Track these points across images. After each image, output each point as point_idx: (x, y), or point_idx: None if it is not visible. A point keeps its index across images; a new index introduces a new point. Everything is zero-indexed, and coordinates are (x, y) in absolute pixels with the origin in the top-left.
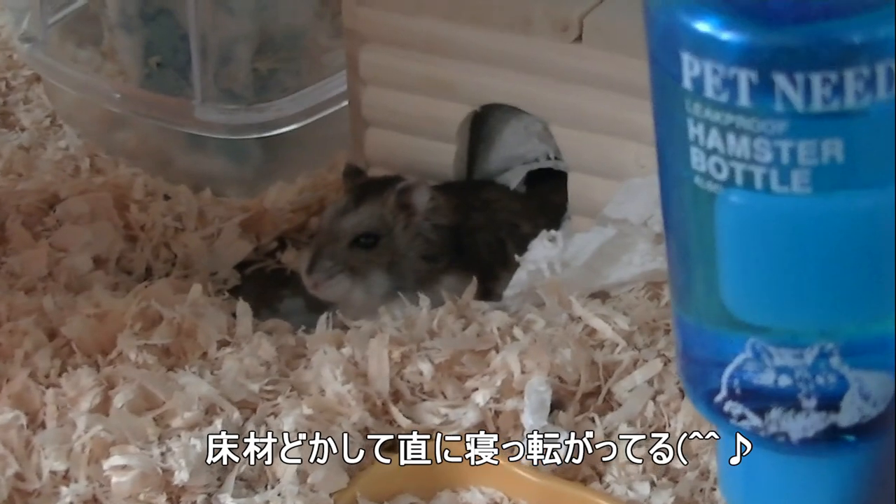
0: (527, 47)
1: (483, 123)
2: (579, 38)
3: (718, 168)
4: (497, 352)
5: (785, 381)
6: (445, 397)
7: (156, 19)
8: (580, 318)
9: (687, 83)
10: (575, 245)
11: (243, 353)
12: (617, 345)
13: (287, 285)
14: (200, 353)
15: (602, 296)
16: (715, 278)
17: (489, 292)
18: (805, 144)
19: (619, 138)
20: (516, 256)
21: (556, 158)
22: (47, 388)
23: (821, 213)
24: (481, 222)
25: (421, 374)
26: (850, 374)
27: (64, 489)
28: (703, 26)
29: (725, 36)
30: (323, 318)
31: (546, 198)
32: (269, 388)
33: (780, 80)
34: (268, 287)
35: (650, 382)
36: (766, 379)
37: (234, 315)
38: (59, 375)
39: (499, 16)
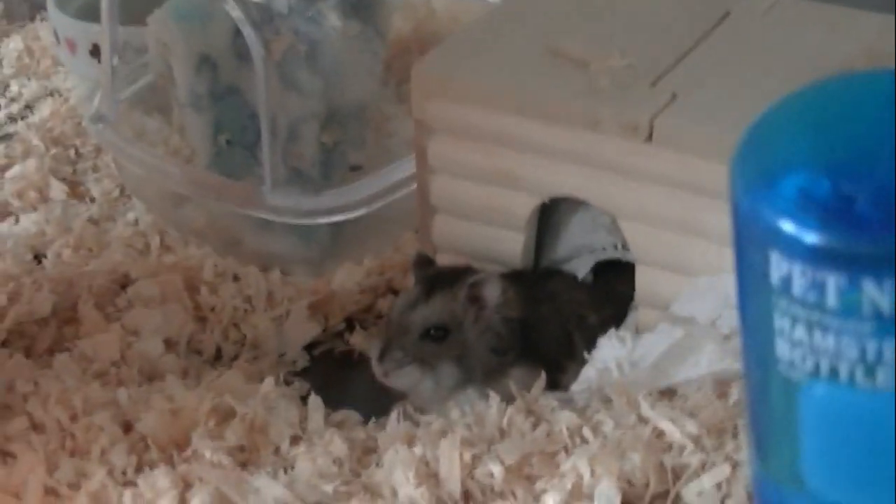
0: (595, 145)
1: (551, 212)
2: (648, 138)
3: (804, 359)
4: (567, 453)
5: None
6: (515, 498)
7: (224, 99)
8: (648, 419)
9: (774, 279)
10: (643, 345)
11: (316, 451)
12: (685, 447)
13: (355, 367)
14: (273, 449)
15: (669, 393)
16: (796, 452)
17: (556, 383)
18: (891, 344)
19: (688, 236)
20: (585, 354)
21: (623, 248)
22: (125, 486)
23: None
24: (548, 314)
25: (492, 475)
26: None
27: None
28: (791, 228)
29: (814, 240)
30: (394, 414)
31: (613, 288)
32: (342, 488)
33: (868, 284)
34: (336, 369)
35: (718, 486)
36: None
37: (304, 399)
38: (136, 472)
39: (567, 114)
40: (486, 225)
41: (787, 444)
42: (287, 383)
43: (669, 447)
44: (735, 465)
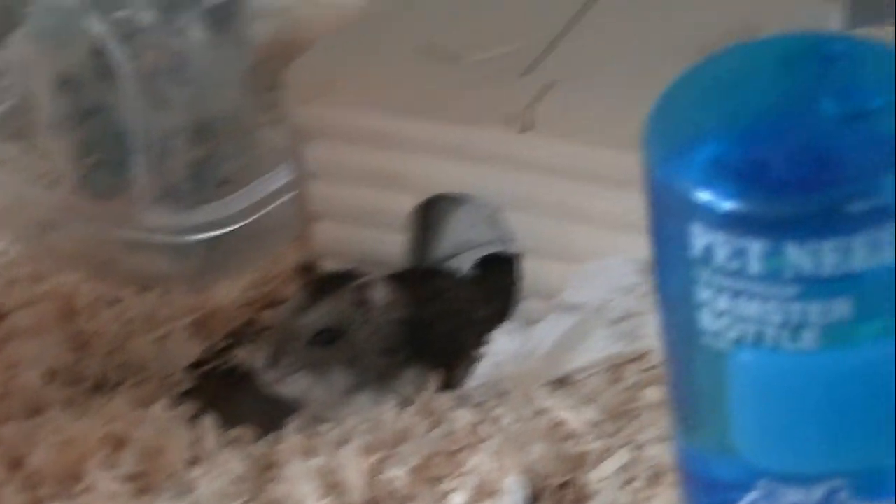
0: (474, 138)
1: (431, 211)
2: (527, 128)
3: (729, 328)
4: (470, 450)
5: None
6: (421, 500)
7: (89, 119)
8: (547, 409)
9: (695, 251)
10: (535, 336)
11: (214, 472)
12: (586, 435)
13: (243, 383)
14: (170, 473)
15: (565, 382)
16: (725, 424)
17: (449, 382)
18: (815, 306)
19: (572, 223)
20: (476, 350)
21: (505, 241)
22: None
23: (829, 367)
24: (436, 313)
25: (396, 479)
26: None
27: None
28: (709, 197)
29: (733, 207)
30: (290, 427)
31: (497, 282)
32: None
33: (790, 247)
34: (223, 386)
35: (621, 470)
36: None
37: (195, 420)
38: None
39: (444, 109)
40: (368, 228)
41: (715, 415)
42: (176, 405)
43: (570, 436)
44: (637, 448)
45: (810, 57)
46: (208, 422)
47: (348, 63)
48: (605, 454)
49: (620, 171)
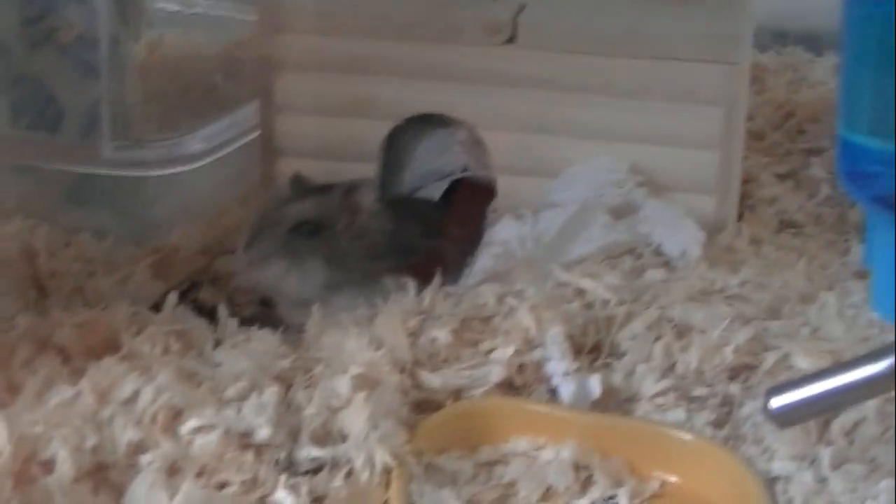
0: (454, 55)
1: (401, 137)
2: (510, 41)
3: None
4: (499, 317)
5: None
6: (461, 361)
7: (19, 85)
8: (567, 282)
9: None
10: (543, 221)
11: (253, 344)
12: (609, 300)
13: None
14: (197, 352)
15: (569, 266)
16: None
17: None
18: None
19: (552, 135)
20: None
21: (474, 167)
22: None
23: None
24: (416, 228)
25: (436, 341)
26: None
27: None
28: None
29: None
30: (315, 307)
31: (465, 207)
32: (299, 364)
33: None
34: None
35: (649, 328)
36: None
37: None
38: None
39: (425, 29)
40: (336, 160)
41: None
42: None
43: (592, 304)
44: (660, 309)
45: None
46: (223, 311)
47: None
48: (630, 318)
49: (596, 76)
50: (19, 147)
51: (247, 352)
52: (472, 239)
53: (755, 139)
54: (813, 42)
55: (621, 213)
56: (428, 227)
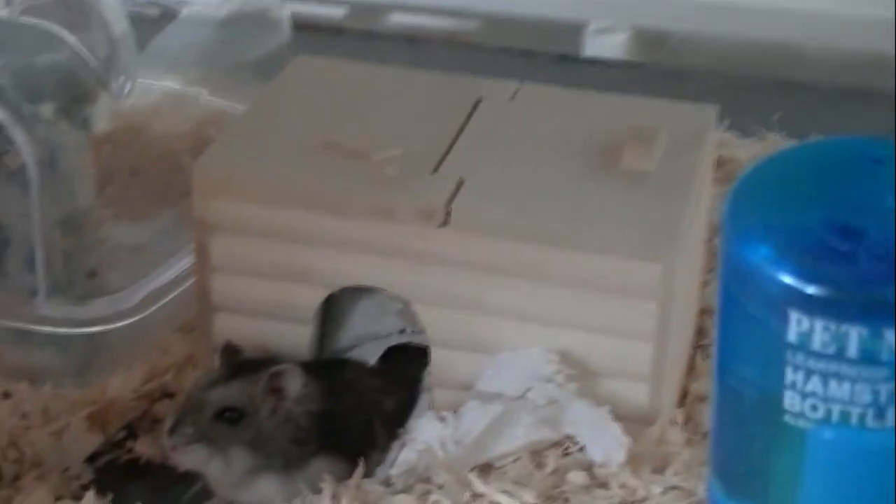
0: (389, 233)
1: (336, 303)
2: (444, 223)
3: (814, 409)
4: None
5: None
6: None
7: None
8: (483, 494)
9: (792, 337)
10: (465, 423)
11: None
12: None
13: (142, 475)
14: None
15: (486, 468)
16: (794, 494)
17: (365, 471)
18: None
19: (486, 315)
20: (391, 439)
21: (412, 332)
22: None
23: None
24: (348, 403)
25: None
26: None
27: None
28: (814, 286)
29: (838, 295)
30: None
31: (402, 372)
32: None
33: (889, 334)
34: (123, 479)
35: None
36: None
37: None
38: None
39: (359, 205)
40: (271, 320)
41: (782, 487)
42: (76, 499)
43: None
44: None
45: (863, 160)
46: None
47: (256, 156)
48: None
49: (531, 264)
50: None
51: None
52: (410, 404)
53: None
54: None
55: (547, 411)
56: (360, 401)
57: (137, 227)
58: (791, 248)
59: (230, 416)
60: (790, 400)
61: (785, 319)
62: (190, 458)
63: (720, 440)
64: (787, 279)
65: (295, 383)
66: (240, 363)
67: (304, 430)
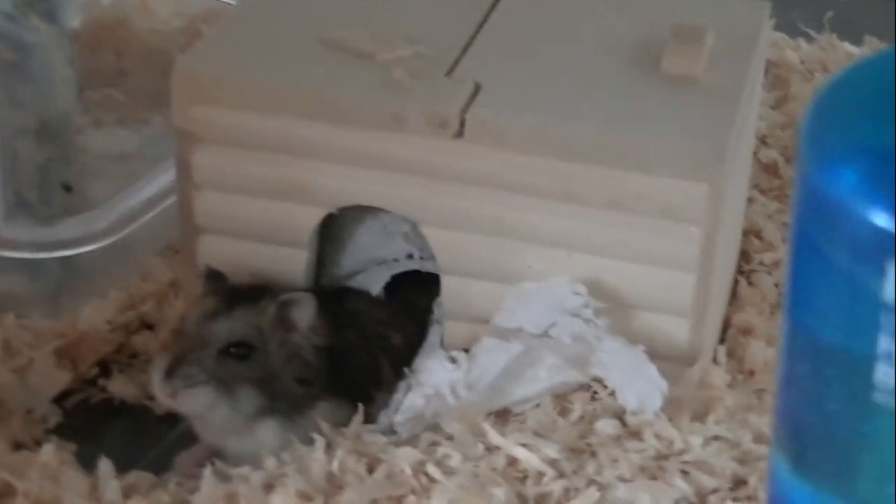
0: (396, 146)
1: (333, 223)
2: (459, 134)
3: None
4: (415, 494)
5: None
6: None
7: None
8: (499, 447)
9: (888, 295)
10: (479, 366)
11: None
12: (544, 475)
13: (117, 417)
14: None
15: (504, 415)
16: (870, 476)
17: (366, 416)
18: None
19: (505, 239)
20: (398, 379)
21: (421, 258)
22: None
23: None
24: (354, 339)
25: None
26: None
27: None
28: None
29: None
30: (207, 471)
31: (411, 303)
32: None
33: None
34: (95, 421)
35: None
36: None
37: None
38: None
39: (365, 114)
40: (262, 243)
41: (870, 477)
42: (38, 444)
43: (525, 476)
44: (601, 489)
45: None
46: (106, 467)
47: (246, 57)
48: (568, 497)
49: (558, 182)
50: None
51: None
52: (419, 339)
53: (765, 173)
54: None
55: (573, 350)
56: (365, 335)
57: (122, 134)
58: (889, 179)
59: (238, 352)
60: (882, 374)
61: (880, 272)
62: (195, 402)
63: (787, 411)
64: (883, 220)
65: (307, 313)
66: (234, 292)
67: (311, 368)
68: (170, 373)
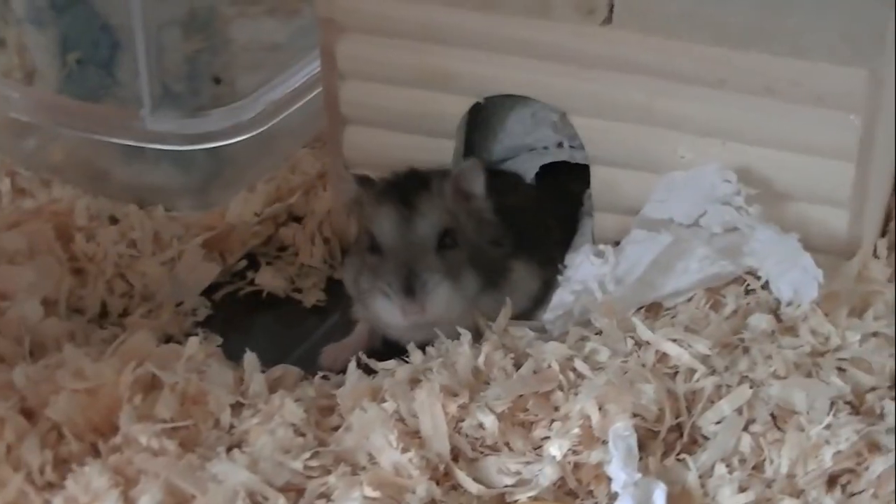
0: (543, 32)
1: (480, 110)
2: (607, 21)
3: None
4: (562, 390)
5: None
6: (511, 450)
7: (70, 10)
8: (648, 342)
9: None
10: (628, 259)
11: (273, 422)
12: (695, 371)
13: (266, 310)
14: (214, 422)
15: (654, 309)
16: None
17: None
18: None
19: (654, 127)
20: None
21: (570, 147)
22: (48, 491)
23: None
24: (523, 202)
25: (482, 427)
26: None
27: None
28: None
29: None
30: (352, 364)
31: (561, 190)
32: (312, 462)
33: None
34: (244, 314)
35: (739, 411)
36: None
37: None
38: (56, 471)
39: (512, 0)
40: (409, 133)
41: None
42: (187, 337)
43: (675, 372)
44: (753, 386)
45: None
46: (251, 360)
47: None
48: (719, 394)
49: (709, 68)
50: (60, 113)
51: (255, 447)
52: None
53: None
54: None
55: (725, 240)
56: (530, 203)
57: (271, 24)
58: None
59: (448, 242)
60: None
61: None
62: (440, 304)
63: None
64: None
65: (480, 178)
66: (394, 190)
67: (498, 228)
68: (409, 290)
